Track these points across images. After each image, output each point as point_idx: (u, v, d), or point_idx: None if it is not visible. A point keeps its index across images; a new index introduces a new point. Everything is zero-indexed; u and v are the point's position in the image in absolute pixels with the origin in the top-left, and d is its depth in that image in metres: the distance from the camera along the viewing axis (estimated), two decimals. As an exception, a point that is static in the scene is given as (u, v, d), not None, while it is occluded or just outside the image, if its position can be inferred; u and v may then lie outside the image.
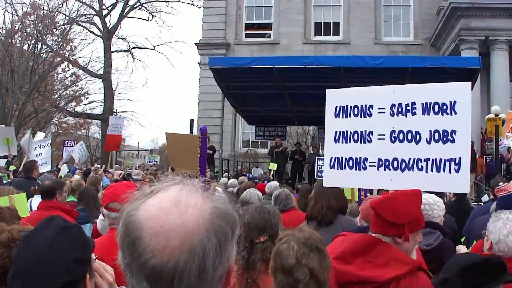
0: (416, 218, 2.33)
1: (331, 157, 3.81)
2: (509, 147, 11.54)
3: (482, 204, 6.83)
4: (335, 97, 3.92)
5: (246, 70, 12.07)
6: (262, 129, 18.09)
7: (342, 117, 3.79)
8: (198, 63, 22.93)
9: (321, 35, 21.91)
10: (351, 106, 3.75)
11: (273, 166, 11.78)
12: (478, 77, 11.89)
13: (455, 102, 3.35)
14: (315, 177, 10.52)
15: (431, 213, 3.53)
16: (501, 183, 5.37)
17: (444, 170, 3.33)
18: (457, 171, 3.29)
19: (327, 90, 4.00)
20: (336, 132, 3.80)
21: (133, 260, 0.87)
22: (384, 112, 3.60)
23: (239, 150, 21.25)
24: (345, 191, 5.30)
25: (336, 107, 3.83)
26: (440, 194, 3.92)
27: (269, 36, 22.48)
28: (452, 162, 3.31)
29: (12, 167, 10.77)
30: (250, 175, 15.41)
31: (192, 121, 14.57)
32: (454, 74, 11.48)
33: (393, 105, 3.56)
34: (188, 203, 0.90)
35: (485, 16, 16.36)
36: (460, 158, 3.30)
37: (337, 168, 3.76)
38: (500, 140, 11.37)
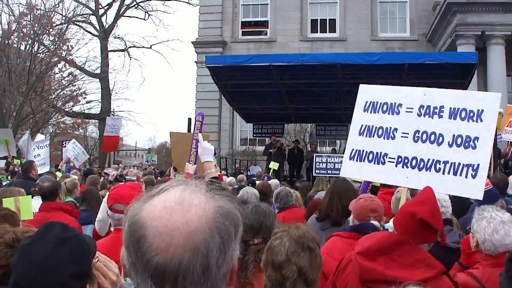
0: None
1: (353, 149, 3.93)
2: (508, 141, 11.49)
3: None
4: (367, 92, 4.07)
5: (243, 68, 12.08)
6: (260, 127, 18.03)
7: (371, 112, 3.93)
8: (195, 61, 22.90)
9: (317, 32, 21.90)
10: (381, 103, 3.89)
11: (275, 166, 11.77)
12: (475, 72, 11.91)
13: (482, 110, 3.43)
14: (313, 174, 10.51)
15: (448, 209, 3.59)
16: None
17: (460, 175, 3.36)
18: (474, 177, 3.32)
19: (360, 85, 4.17)
20: (362, 125, 3.93)
21: (138, 258, 0.88)
22: (412, 112, 3.70)
23: (237, 148, 21.23)
24: None
25: (367, 102, 3.98)
26: None
27: (266, 34, 22.44)
28: (470, 168, 3.34)
29: (17, 161, 10.79)
30: (249, 173, 15.40)
31: (189, 119, 14.54)
32: (451, 70, 11.53)
33: (421, 106, 3.67)
34: (192, 202, 0.91)
35: (481, 11, 16.38)
36: (478, 165, 3.33)
37: (357, 160, 3.88)
38: (499, 134, 11.32)
